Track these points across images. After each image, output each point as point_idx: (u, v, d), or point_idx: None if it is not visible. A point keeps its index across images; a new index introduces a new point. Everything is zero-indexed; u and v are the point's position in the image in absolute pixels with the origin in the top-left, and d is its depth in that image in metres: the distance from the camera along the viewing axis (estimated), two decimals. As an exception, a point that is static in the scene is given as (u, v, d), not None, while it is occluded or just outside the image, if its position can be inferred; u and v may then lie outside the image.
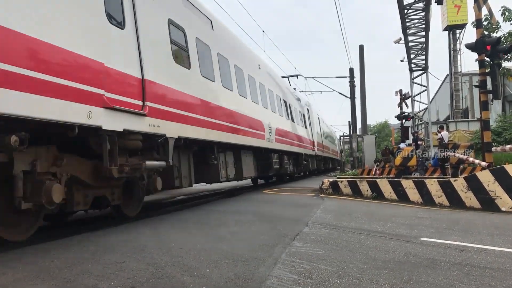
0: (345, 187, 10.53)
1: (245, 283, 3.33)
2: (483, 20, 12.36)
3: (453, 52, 30.30)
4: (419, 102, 27.33)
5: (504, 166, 8.02)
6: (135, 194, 7.21)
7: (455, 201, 8.32)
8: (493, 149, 11.94)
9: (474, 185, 8.10)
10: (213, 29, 9.70)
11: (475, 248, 4.60)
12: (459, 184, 8.36)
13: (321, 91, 38.22)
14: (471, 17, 21.65)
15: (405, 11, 19.64)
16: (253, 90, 11.91)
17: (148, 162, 6.31)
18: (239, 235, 5.37)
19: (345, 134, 51.78)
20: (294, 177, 20.35)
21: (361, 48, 28.83)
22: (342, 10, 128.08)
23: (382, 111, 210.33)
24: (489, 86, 10.59)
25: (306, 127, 20.51)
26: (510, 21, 16.13)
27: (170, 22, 7.47)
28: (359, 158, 31.83)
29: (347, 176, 16.56)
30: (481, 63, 10.62)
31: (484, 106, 10.89)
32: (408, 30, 21.71)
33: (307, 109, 21.96)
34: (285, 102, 16.51)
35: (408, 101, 25.93)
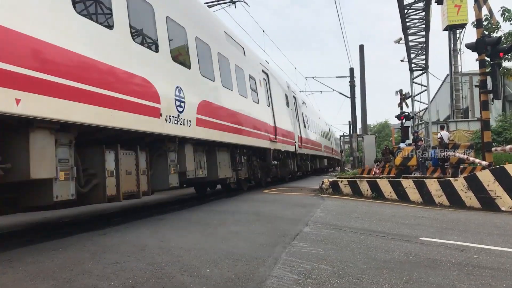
0: (345, 186, 10.53)
1: (245, 283, 3.33)
2: (483, 20, 12.35)
3: (453, 52, 30.29)
4: (419, 102, 27.38)
5: (504, 166, 8.02)
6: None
7: (455, 201, 8.32)
8: (493, 149, 11.93)
9: (474, 185, 8.10)
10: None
11: (475, 248, 4.60)
12: (459, 184, 8.36)
13: (321, 91, 38.23)
14: (471, 17, 21.65)
15: (405, 11, 19.66)
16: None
17: None
18: (239, 235, 5.37)
19: (345, 134, 51.76)
20: (295, 177, 19.39)
21: (361, 48, 28.80)
22: (340, 9, 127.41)
23: (382, 111, 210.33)
24: (489, 86, 10.59)
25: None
26: (510, 21, 16.12)
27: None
28: (359, 158, 31.81)
29: (347, 175, 16.56)
30: (482, 63, 10.61)
31: (484, 106, 10.89)
32: (408, 30, 21.74)
33: (265, 76, 14.19)
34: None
35: (409, 101, 25.99)
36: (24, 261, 3.99)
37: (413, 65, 25.83)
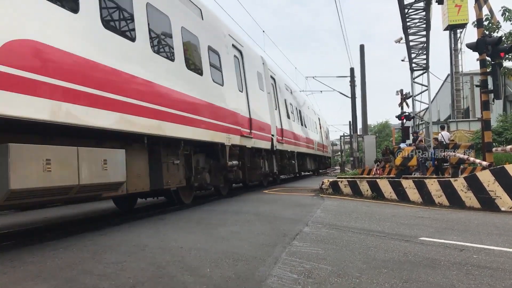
0: (345, 187, 10.54)
1: (245, 282, 3.34)
2: (484, 19, 12.35)
3: (454, 52, 30.28)
4: (420, 102, 27.37)
5: (504, 166, 8.02)
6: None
7: (455, 201, 8.33)
8: (493, 149, 11.93)
9: (474, 185, 8.10)
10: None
11: (474, 247, 4.61)
12: (459, 184, 8.37)
13: (321, 91, 38.08)
14: (472, 17, 21.64)
15: (406, 10, 19.66)
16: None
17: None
18: (239, 235, 5.38)
19: (345, 134, 51.70)
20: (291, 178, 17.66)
21: (362, 48, 28.80)
22: (340, 8, 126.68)
23: (383, 111, 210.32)
24: (490, 86, 10.59)
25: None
26: (510, 21, 16.10)
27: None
28: (360, 158, 31.80)
29: (347, 176, 16.57)
30: (482, 63, 10.62)
31: (485, 106, 10.89)
32: (408, 30, 21.73)
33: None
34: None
35: (409, 101, 25.97)
36: (24, 261, 4.01)
37: (413, 65, 25.82)
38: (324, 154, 28.25)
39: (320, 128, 27.28)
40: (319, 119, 27.59)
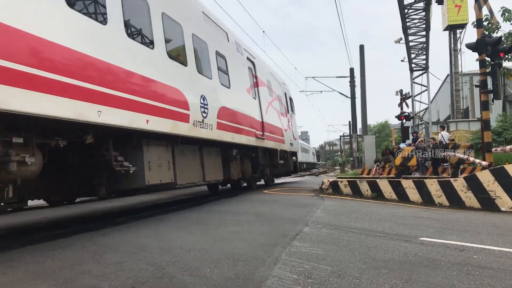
0: (345, 187, 10.54)
1: (245, 282, 3.34)
2: (483, 20, 12.37)
3: (453, 52, 30.30)
4: (420, 102, 27.46)
5: (504, 166, 8.02)
6: None
7: (455, 201, 8.33)
8: (493, 149, 11.95)
9: (474, 185, 8.11)
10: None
11: (474, 248, 4.61)
12: (459, 184, 8.37)
13: (321, 91, 38.03)
14: (472, 17, 21.68)
15: (406, 10, 19.72)
16: None
17: None
18: (239, 235, 5.38)
19: (345, 134, 51.75)
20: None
21: (361, 48, 28.77)
22: (340, 9, 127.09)
23: (383, 111, 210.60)
24: (489, 86, 10.60)
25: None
26: (510, 21, 16.15)
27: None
28: (359, 158, 31.82)
29: (347, 176, 16.58)
30: (482, 63, 10.63)
31: (485, 106, 10.90)
32: (408, 30, 21.83)
33: None
34: None
35: (409, 101, 26.01)
36: (24, 261, 4.00)
37: (413, 65, 25.92)
38: (268, 145, 13.06)
39: (256, 85, 12.53)
40: (253, 64, 12.60)
